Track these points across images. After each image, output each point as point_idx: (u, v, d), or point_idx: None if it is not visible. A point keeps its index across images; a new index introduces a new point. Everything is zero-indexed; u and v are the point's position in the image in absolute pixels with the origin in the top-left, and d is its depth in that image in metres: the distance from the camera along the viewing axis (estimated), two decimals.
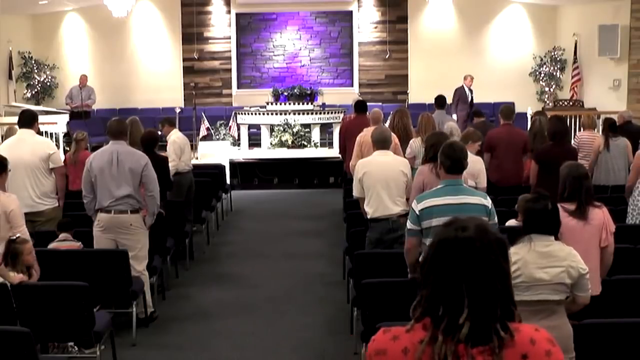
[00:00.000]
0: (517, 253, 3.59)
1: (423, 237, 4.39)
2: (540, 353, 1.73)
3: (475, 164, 6.24)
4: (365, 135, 7.44)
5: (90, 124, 14.78)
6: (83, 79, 15.48)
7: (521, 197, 4.81)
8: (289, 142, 13.59)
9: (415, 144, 7.36)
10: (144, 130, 7.81)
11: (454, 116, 12.24)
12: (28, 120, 6.89)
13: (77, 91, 15.34)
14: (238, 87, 16.87)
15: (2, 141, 8.15)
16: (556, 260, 3.57)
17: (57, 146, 12.22)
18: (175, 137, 8.57)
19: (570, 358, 3.61)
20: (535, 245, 3.60)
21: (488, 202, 4.39)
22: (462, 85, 13.74)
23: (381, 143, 6.05)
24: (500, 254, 1.76)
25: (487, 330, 1.70)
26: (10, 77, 15.74)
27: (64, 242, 5.86)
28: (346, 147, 8.92)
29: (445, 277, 1.72)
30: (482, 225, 1.78)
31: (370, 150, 6.61)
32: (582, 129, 9.06)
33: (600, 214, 4.45)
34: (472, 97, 13.67)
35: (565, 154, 6.64)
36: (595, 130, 9.52)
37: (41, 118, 10.43)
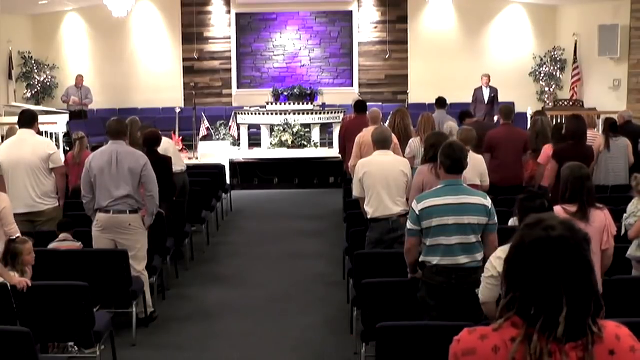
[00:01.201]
0: None
1: (423, 237, 4.39)
2: (626, 349, 1.77)
3: (482, 163, 6.27)
4: (365, 135, 7.44)
5: (90, 124, 14.78)
6: (79, 79, 15.41)
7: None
8: (289, 142, 13.59)
9: (415, 143, 7.36)
10: (146, 130, 7.78)
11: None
12: (28, 120, 6.89)
13: (73, 91, 15.31)
14: (238, 87, 16.87)
15: (3, 141, 8.15)
16: None
17: (57, 146, 12.24)
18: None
19: None
20: None
21: (488, 202, 4.39)
22: (480, 86, 13.70)
23: (382, 143, 6.05)
24: (588, 249, 1.79)
25: (581, 326, 1.73)
26: (10, 77, 15.73)
27: (64, 242, 5.86)
28: (346, 147, 8.92)
29: (541, 278, 1.73)
30: (568, 223, 1.80)
31: (370, 150, 6.61)
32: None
33: (602, 216, 4.42)
34: (492, 97, 13.48)
35: (583, 153, 6.61)
36: (596, 129, 9.52)
37: (41, 118, 10.42)
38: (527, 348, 1.71)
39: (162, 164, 6.99)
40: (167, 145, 8.14)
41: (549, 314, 1.71)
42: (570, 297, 1.72)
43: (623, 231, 5.35)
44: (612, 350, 1.75)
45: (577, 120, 7.36)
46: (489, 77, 13.88)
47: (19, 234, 5.27)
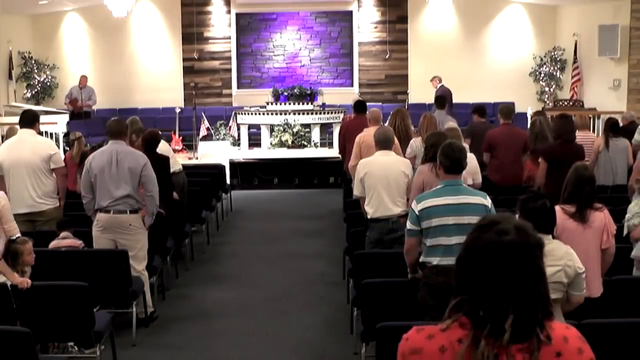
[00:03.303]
0: None
1: (423, 237, 4.39)
2: (573, 351, 1.77)
3: (473, 161, 6.27)
4: (365, 135, 7.43)
5: (90, 124, 14.80)
6: (83, 79, 15.49)
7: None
8: (289, 142, 13.59)
9: (416, 143, 7.35)
10: (145, 130, 7.78)
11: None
12: (29, 120, 6.88)
13: (77, 91, 15.35)
14: (238, 87, 16.87)
15: (3, 141, 8.15)
16: (553, 259, 3.57)
17: (57, 146, 12.24)
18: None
19: None
20: None
21: (488, 202, 4.40)
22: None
23: (383, 143, 6.05)
24: (540, 255, 1.77)
25: (527, 331, 1.72)
26: (10, 77, 15.74)
27: (65, 240, 5.86)
28: (346, 147, 8.92)
29: (489, 282, 1.72)
30: (523, 227, 1.77)
31: (370, 150, 6.61)
32: (577, 130, 9.04)
33: (601, 217, 4.43)
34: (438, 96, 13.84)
35: (573, 152, 6.64)
36: (590, 130, 9.53)
37: (41, 118, 10.43)
38: (474, 350, 1.70)
39: (160, 163, 6.98)
40: (162, 147, 8.16)
41: (496, 319, 1.70)
42: (517, 304, 1.70)
43: (625, 232, 5.35)
44: (559, 352, 1.74)
45: (565, 120, 7.41)
46: (438, 78, 14.10)
47: (18, 233, 5.27)
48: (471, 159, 6.29)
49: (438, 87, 13.95)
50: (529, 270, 1.73)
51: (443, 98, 10.07)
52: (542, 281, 1.75)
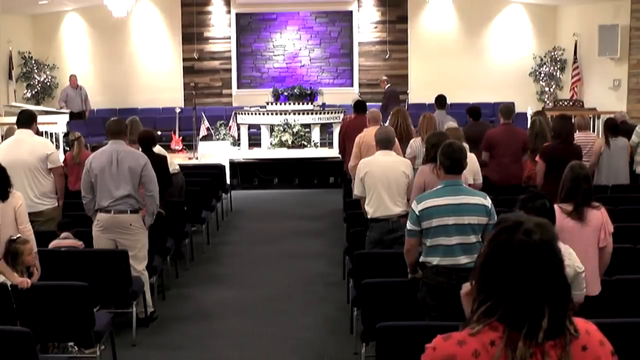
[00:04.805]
0: None
1: (423, 237, 4.39)
2: (596, 343, 1.81)
3: (475, 162, 6.27)
4: (365, 135, 7.43)
5: (90, 124, 14.81)
6: (73, 79, 15.35)
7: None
8: (289, 142, 13.59)
9: (416, 143, 7.35)
10: (142, 129, 7.77)
11: None
12: (27, 120, 6.88)
13: (73, 92, 15.27)
14: (238, 87, 16.87)
15: (1, 141, 8.14)
16: None
17: (57, 146, 12.24)
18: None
19: None
20: None
21: (488, 202, 4.39)
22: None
23: (384, 143, 6.05)
24: (559, 249, 1.80)
25: (560, 326, 1.74)
26: (10, 77, 15.74)
27: (66, 240, 5.86)
28: (346, 147, 8.92)
29: (525, 282, 1.73)
30: (544, 225, 1.79)
31: (370, 150, 6.60)
32: (577, 130, 9.04)
33: (598, 215, 4.45)
34: (385, 97, 14.27)
35: (571, 152, 6.65)
36: (590, 130, 9.52)
37: (41, 118, 10.45)
38: (509, 351, 1.71)
39: (158, 163, 6.97)
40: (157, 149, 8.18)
41: (534, 318, 1.72)
42: (552, 301, 1.73)
43: None
44: (585, 346, 1.78)
45: (563, 120, 7.42)
46: (386, 79, 14.76)
47: (32, 236, 5.20)
48: (472, 158, 6.29)
49: (386, 87, 14.54)
50: (557, 266, 1.76)
51: (443, 98, 10.04)
52: (565, 275, 1.79)
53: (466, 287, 1.94)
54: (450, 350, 1.77)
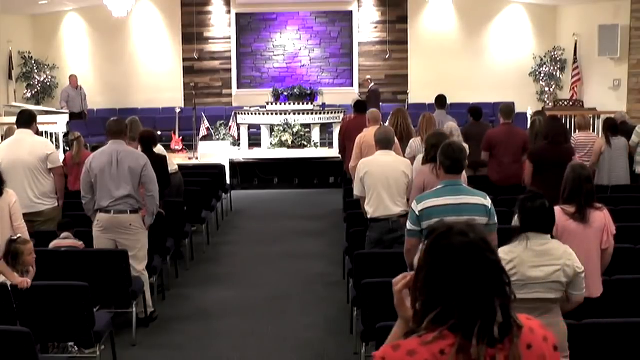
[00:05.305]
0: (513, 251, 3.59)
1: (423, 237, 4.39)
2: (540, 340, 1.80)
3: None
4: (365, 135, 7.43)
5: (90, 124, 14.80)
6: (73, 79, 15.34)
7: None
8: (289, 142, 13.59)
9: (415, 143, 7.35)
10: (142, 129, 7.77)
11: None
12: (26, 120, 6.88)
13: (73, 92, 15.26)
14: (238, 87, 16.87)
15: (2, 141, 8.15)
16: (552, 259, 3.57)
17: (57, 146, 12.24)
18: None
19: (564, 357, 3.60)
20: (532, 243, 3.59)
21: (488, 202, 4.40)
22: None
23: (384, 143, 6.05)
24: (491, 243, 1.82)
25: (509, 319, 1.74)
26: (10, 77, 15.73)
27: (66, 240, 5.86)
28: (346, 147, 8.92)
29: (471, 280, 1.73)
30: (471, 225, 1.81)
31: (370, 150, 6.60)
32: (577, 130, 9.06)
33: (601, 216, 4.42)
34: (367, 96, 14.32)
35: (559, 153, 6.62)
36: (591, 130, 9.52)
37: (41, 118, 10.45)
38: (461, 358, 1.69)
39: (158, 163, 6.97)
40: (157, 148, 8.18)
41: (486, 314, 1.71)
42: (499, 293, 1.74)
43: None
44: (529, 344, 1.78)
45: (552, 121, 7.39)
46: (370, 79, 15.02)
47: (27, 233, 5.26)
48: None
49: (370, 86, 14.71)
50: (497, 259, 1.77)
51: (443, 98, 10.04)
52: (503, 267, 1.79)
53: (402, 283, 1.90)
54: None
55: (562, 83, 16.10)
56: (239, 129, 14.19)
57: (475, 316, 1.71)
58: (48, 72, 16.32)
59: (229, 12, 16.66)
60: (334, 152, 12.66)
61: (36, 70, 16.18)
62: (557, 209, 4.21)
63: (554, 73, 16.10)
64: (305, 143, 13.68)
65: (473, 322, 1.70)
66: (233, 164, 12.89)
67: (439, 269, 1.76)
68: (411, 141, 7.47)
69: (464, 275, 1.73)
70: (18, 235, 5.07)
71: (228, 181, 11.69)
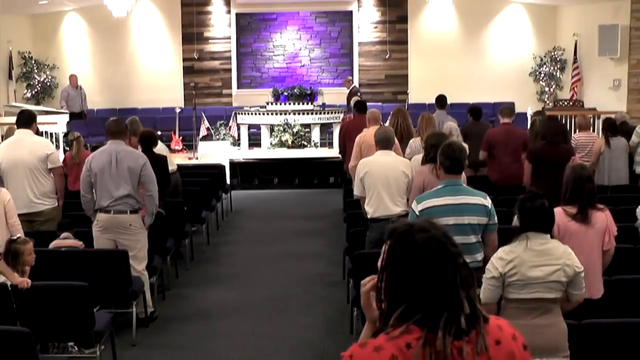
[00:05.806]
0: (513, 251, 3.59)
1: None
2: (509, 337, 1.82)
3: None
4: (365, 135, 7.43)
5: (90, 124, 14.80)
6: (74, 78, 15.35)
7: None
8: (289, 142, 13.59)
9: (415, 143, 7.35)
10: (142, 129, 7.77)
11: None
12: (26, 120, 6.88)
13: (73, 92, 15.26)
14: (238, 87, 16.87)
15: (2, 141, 8.14)
16: (552, 259, 3.57)
17: (57, 146, 12.24)
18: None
19: (564, 357, 3.60)
20: (532, 243, 3.59)
21: (488, 202, 4.40)
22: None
23: (384, 143, 6.05)
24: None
25: (475, 310, 1.76)
26: (10, 77, 15.74)
27: (66, 240, 5.86)
28: (346, 147, 8.91)
29: (437, 275, 1.75)
30: (429, 222, 1.84)
31: (370, 150, 6.60)
32: (577, 130, 9.06)
33: (603, 217, 4.40)
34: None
35: (557, 153, 6.61)
36: (591, 130, 9.52)
37: (41, 118, 10.45)
38: (427, 351, 1.71)
39: (157, 163, 6.97)
40: (158, 146, 8.17)
41: (452, 307, 1.73)
42: (464, 285, 1.75)
43: None
44: (498, 340, 1.79)
45: (551, 122, 7.39)
46: (351, 79, 15.44)
47: (21, 230, 5.31)
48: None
49: (351, 87, 14.85)
50: (460, 252, 1.80)
51: (443, 98, 10.04)
52: (465, 260, 1.82)
53: (370, 284, 1.91)
54: (368, 357, 1.76)
55: (562, 83, 16.10)
56: (239, 129, 14.19)
57: (442, 309, 1.73)
58: (48, 72, 16.32)
59: (229, 12, 16.67)
60: (334, 152, 12.66)
61: (36, 70, 16.18)
62: (558, 210, 4.20)
63: (554, 73, 16.11)
64: (305, 143, 13.69)
65: (439, 315, 1.72)
66: (233, 164, 12.89)
67: (403, 266, 1.78)
68: (411, 141, 7.47)
69: (428, 270, 1.75)
70: (18, 235, 5.07)
71: (228, 181, 11.69)
